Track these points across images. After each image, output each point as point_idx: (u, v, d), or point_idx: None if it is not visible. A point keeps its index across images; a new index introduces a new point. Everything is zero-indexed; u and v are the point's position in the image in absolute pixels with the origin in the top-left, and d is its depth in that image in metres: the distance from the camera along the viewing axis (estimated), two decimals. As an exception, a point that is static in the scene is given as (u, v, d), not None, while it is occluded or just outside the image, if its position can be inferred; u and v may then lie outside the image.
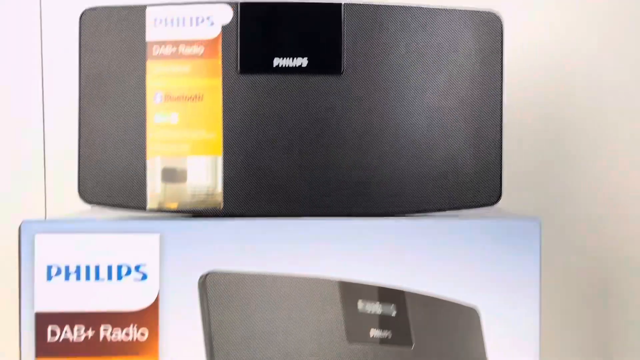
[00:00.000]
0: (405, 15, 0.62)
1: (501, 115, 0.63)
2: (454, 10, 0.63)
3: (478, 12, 0.63)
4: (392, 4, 0.63)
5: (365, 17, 0.62)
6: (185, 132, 0.62)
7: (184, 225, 0.59)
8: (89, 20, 0.62)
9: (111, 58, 0.62)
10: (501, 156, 0.63)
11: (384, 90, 0.62)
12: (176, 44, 0.61)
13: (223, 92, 0.61)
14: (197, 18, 0.61)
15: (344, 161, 0.61)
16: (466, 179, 0.62)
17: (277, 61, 0.61)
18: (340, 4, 0.62)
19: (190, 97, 0.61)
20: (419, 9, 0.63)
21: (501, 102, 0.63)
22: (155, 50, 0.61)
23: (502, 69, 0.64)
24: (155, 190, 0.62)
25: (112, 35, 0.62)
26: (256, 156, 0.61)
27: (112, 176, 0.62)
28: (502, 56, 0.64)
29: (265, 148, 0.61)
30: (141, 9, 0.62)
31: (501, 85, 0.63)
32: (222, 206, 0.61)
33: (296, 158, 0.61)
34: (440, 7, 0.63)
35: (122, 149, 0.61)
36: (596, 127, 0.98)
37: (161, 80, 0.61)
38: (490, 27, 0.63)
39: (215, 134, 0.61)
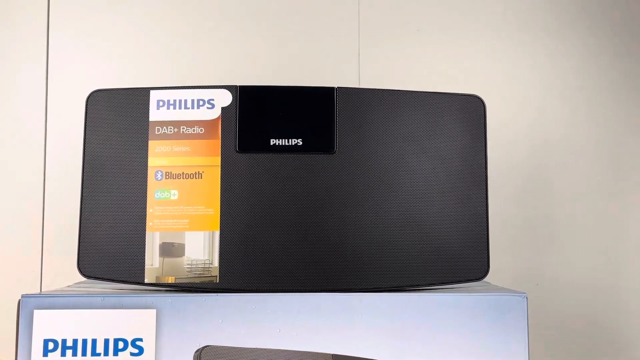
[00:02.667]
0: (395, 99, 0.66)
1: (486, 190, 0.66)
2: (441, 94, 0.67)
3: (463, 95, 0.68)
4: (383, 89, 0.67)
5: (357, 101, 0.66)
6: (185, 208, 0.64)
7: (179, 300, 0.60)
8: (95, 100, 0.65)
9: (115, 137, 0.65)
10: (487, 233, 0.66)
11: (375, 169, 0.65)
12: (178, 124, 0.65)
13: (221, 170, 0.64)
14: (199, 101, 0.65)
15: (338, 237, 0.64)
16: (455, 256, 0.65)
17: (274, 141, 0.65)
18: (333, 88, 0.66)
19: (190, 175, 0.64)
20: (408, 93, 0.67)
21: (485, 178, 0.67)
22: (158, 131, 0.65)
23: (485, 146, 0.67)
24: (154, 264, 0.63)
25: (117, 115, 0.65)
26: (253, 231, 0.64)
27: (111, 252, 0.63)
28: (485, 135, 0.68)
29: (262, 223, 0.64)
30: (145, 92, 0.65)
31: (485, 162, 0.67)
32: (217, 280, 0.63)
33: (291, 234, 0.64)
34: (427, 92, 0.67)
35: (122, 225, 0.64)
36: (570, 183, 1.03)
37: (162, 159, 0.65)
38: (474, 110, 0.67)
39: (213, 210, 0.64)
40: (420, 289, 0.65)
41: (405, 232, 0.64)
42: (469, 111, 0.67)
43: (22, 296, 0.59)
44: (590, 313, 1.01)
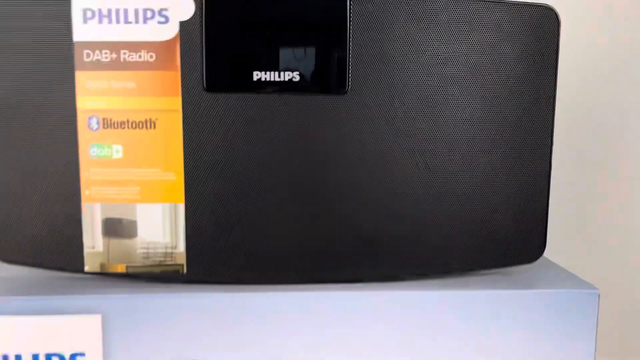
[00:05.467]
0: (434, 9, 0.45)
1: (551, 146, 0.48)
2: (497, 3, 0.46)
3: (528, 5, 0.47)
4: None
5: (381, 13, 0.45)
6: (134, 171, 0.45)
7: (132, 301, 0.44)
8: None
9: (21, 66, 0.44)
10: (547, 202, 0.49)
11: (404, 116, 0.46)
12: (116, 48, 0.44)
13: (184, 117, 0.45)
14: (145, 12, 0.44)
15: (348, 211, 0.46)
16: (505, 232, 0.48)
17: (258, 75, 0.44)
18: (346, -5, 0.44)
19: (139, 124, 0.45)
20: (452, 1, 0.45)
21: (551, 129, 0.48)
22: (87, 57, 0.44)
23: (555, 82, 0.48)
24: (95, 247, 0.46)
25: (20, 31, 0.44)
26: (229, 205, 0.46)
27: (37, 231, 0.46)
28: (556, 67, 0.48)
29: (242, 192, 0.46)
30: (64, -4, 0.43)
31: (553, 108, 0.48)
32: (184, 270, 0.46)
33: (282, 208, 0.46)
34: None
35: (46, 194, 0.45)
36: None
37: (97, 99, 0.44)
38: (543, 27, 0.47)
39: (174, 174, 0.45)
40: (458, 275, 0.49)
41: (440, 204, 0.47)
42: (535, 29, 0.47)
43: None
44: None
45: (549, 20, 0.47)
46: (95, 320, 0.44)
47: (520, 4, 0.46)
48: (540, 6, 0.47)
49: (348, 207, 0.46)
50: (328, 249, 0.47)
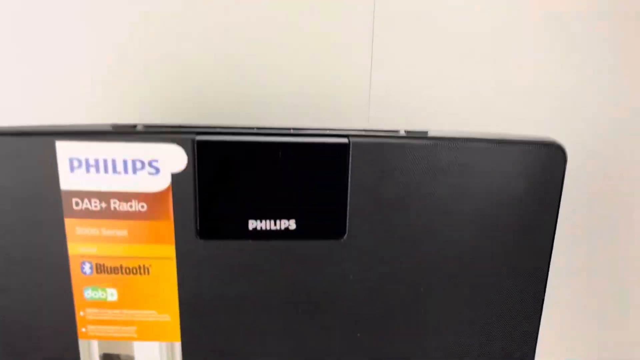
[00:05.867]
0: (436, 152, 0.43)
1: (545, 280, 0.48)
2: (504, 142, 0.44)
3: (535, 144, 0.44)
4: (423, 136, 0.43)
5: (381, 157, 0.43)
6: (130, 312, 0.45)
7: None
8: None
9: (6, 210, 0.42)
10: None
11: (405, 263, 0.45)
12: (105, 197, 0.42)
13: (178, 264, 0.44)
14: (135, 162, 0.41)
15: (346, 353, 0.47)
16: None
17: (254, 224, 0.43)
18: (347, 144, 0.42)
19: (133, 270, 0.44)
20: (455, 142, 0.43)
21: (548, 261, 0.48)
22: (76, 205, 0.42)
23: (556, 214, 0.47)
24: (95, 378, 0.47)
25: (7, 173, 0.42)
26: (225, 343, 0.46)
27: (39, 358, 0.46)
28: (559, 202, 0.46)
29: (237, 334, 0.46)
30: (48, 142, 0.41)
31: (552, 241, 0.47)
32: (184, 399, 0.48)
33: (277, 348, 0.46)
34: (487, 140, 0.44)
35: (42, 331, 0.45)
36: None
37: (88, 245, 0.43)
38: (549, 164, 0.45)
39: (169, 316, 0.45)
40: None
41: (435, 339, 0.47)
42: (542, 168, 0.45)
43: None
44: None
45: (556, 158, 0.45)
46: None
47: (528, 143, 0.44)
48: (549, 145, 0.44)
49: (342, 346, 0.47)
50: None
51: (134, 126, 0.43)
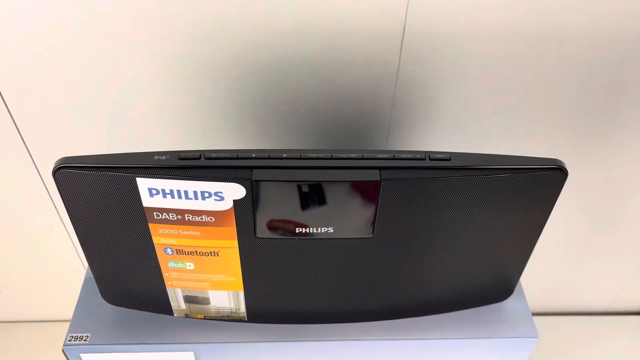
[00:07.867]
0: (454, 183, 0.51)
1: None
2: (512, 171, 0.51)
3: (542, 170, 0.51)
4: (443, 169, 0.50)
5: (408, 192, 0.51)
6: (204, 276, 0.59)
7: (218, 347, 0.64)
8: (65, 179, 0.50)
9: (103, 218, 0.53)
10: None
11: (418, 251, 0.57)
12: (181, 212, 0.52)
13: (240, 251, 0.56)
14: (203, 193, 0.50)
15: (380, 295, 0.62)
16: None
17: (299, 230, 0.53)
18: (378, 182, 0.49)
19: (205, 253, 0.56)
20: (475, 172, 0.51)
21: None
22: (157, 216, 0.52)
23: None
24: (180, 306, 0.63)
25: (97, 200, 0.51)
26: (278, 297, 0.61)
27: (132, 291, 0.62)
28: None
29: (284, 286, 0.60)
30: (129, 180, 0.49)
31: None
32: (246, 318, 0.65)
33: (319, 301, 0.61)
34: (495, 169, 0.51)
35: (137, 275, 0.60)
36: None
37: (169, 238, 0.55)
38: (550, 185, 0.53)
39: (234, 277, 0.59)
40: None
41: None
42: (543, 187, 0.53)
43: (65, 345, 0.63)
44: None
45: (557, 178, 0.52)
46: (189, 356, 0.64)
47: (533, 170, 0.51)
48: (553, 168, 0.51)
49: (367, 296, 0.62)
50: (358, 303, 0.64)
51: (198, 157, 0.50)
